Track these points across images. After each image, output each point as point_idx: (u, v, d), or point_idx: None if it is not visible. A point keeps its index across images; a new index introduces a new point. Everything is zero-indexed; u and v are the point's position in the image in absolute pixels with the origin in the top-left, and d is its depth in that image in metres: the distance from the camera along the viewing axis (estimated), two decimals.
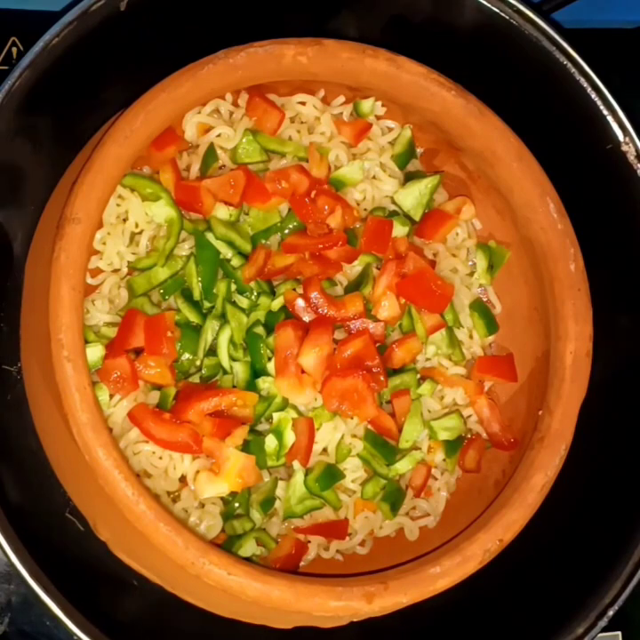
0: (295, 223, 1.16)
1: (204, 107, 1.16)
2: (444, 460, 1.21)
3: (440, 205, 1.24)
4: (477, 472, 1.22)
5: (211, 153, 1.15)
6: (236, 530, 1.12)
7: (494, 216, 1.23)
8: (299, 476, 1.14)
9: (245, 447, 1.11)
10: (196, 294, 1.13)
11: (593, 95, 1.17)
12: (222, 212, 1.14)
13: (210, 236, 1.13)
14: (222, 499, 1.13)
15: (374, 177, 1.21)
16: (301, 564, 1.17)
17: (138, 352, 1.11)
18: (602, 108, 1.17)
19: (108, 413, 1.09)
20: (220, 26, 1.13)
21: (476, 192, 1.24)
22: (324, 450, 1.16)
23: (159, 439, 1.08)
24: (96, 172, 1.02)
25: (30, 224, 1.10)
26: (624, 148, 1.17)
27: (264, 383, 1.13)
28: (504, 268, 1.24)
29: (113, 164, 1.03)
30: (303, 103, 1.19)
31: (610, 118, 1.17)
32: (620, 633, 1.30)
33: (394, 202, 1.22)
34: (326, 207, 1.16)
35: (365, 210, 1.21)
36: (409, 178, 1.22)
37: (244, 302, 1.14)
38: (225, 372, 1.14)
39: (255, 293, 1.14)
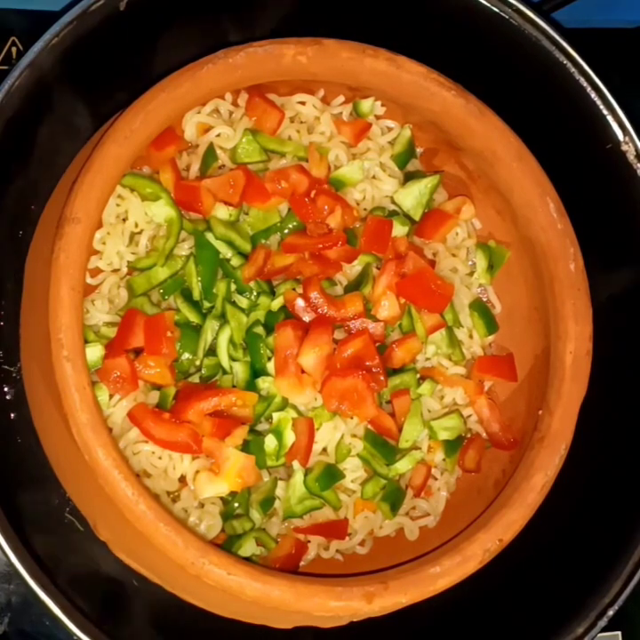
0: (295, 223, 1.16)
1: (203, 106, 1.16)
2: (444, 459, 1.21)
3: (440, 205, 1.24)
4: (477, 472, 1.22)
5: (210, 153, 1.15)
6: (236, 530, 1.12)
7: (494, 216, 1.23)
8: (298, 476, 1.14)
9: (245, 447, 1.11)
10: (196, 294, 1.13)
11: (593, 95, 1.17)
12: (222, 212, 1.14)
13: (209, 236, 1.13)
14: (222, 499, 1.13)
15: (374, 177, 1.21)
16: (301, 563, 1.17)
17: (137, 352, 1.11)
18: (602, 107, 1.17)
19: (108, 413, 1.09)
20: (219, 26, 1.13)
21: (475, 192, 1.24)
22: (324, 450, 1.16)
23: (159, 439, 1.08)
24: (96, 171, 1.02)
25: (31, 223, 1.10)
26: (624, 147, 1.17)
27: (264, 383, 1.13)
28: (504, 267, 1.24)
29: (113, 164, 1.03)
30: (303, 103, 1.19)
31: (610, 118, 1.17)
32: (619, 633, 1.30)
33: (394, 202, 1.22)
34: (326, 207, 1.16)
35: (365, 209, 1.21)
36: (409, 178, 1.22)
37: (243, 302, 1.14)
38: (225, 372, 1.14)
39: (255, 293, 1.14)
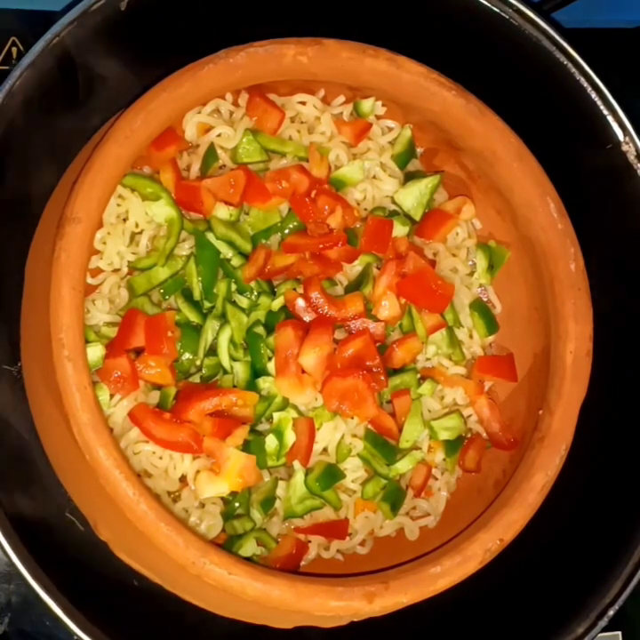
0: (295, 223, 1.16)
1: (204, 106, 1.16)
2: (445, 459, 1.22)
3: (440, 205, 1.24)
4: (477, 472, 1.22)
5: (211, 153, 1.15)
6: (237, 530, 1.12)
7: (494, 216, 1.23)
8: (299, 476, 1.14)
9: (246, 447, 1.11)
10: (197, 294, 1.13)
11: (593, 95, 1.17)
12: (222, 212, 1.14)
13: (210, 236, 1.13)
14: (222, 498, 1.13)
15: (374, 177, 1.22)
16: (302, 563, 1.17)
17: (138, 352, 1.11)
18: (602, 107, 1.17)
19: (109, 413, 1.09)
20: (220, 26, 1.13)
21: (476, 192, 1.24)
22: (325, 450, 1.16)
23: (159, 439, 1.08)
24: (96, 171, 1.02)
25: (31, 223, 1.10)
26: (624, 147, 1.17)
27: (264, 383, 1.13)
28: (504, 267, 1.24)
29: (113, 164, 1.03)
30: (303, 103, 1.19)
31: (610, 118, 1.17)
32: (619, 633, 1.30)
33: (394, 202, 1.22)
34: (326, 207, 1.17)
35: (365, 209, 1.21)
36: (409, 178, 1.22)
37: (244, 302, 1.14)
38: (225, 372, 1.14)
39: (255, 293, 1.15)
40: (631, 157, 1.18)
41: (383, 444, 1.17)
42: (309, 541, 1.17)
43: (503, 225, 1.22)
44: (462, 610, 1.15)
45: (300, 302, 1.14)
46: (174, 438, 1.08)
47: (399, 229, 1.19)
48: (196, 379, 1.14)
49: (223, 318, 1.13)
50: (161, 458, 1.11)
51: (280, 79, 1.13)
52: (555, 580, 1.18)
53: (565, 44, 1.16)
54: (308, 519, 1.16)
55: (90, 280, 1.12)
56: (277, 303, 1.14)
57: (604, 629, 1.15)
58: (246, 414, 1.11)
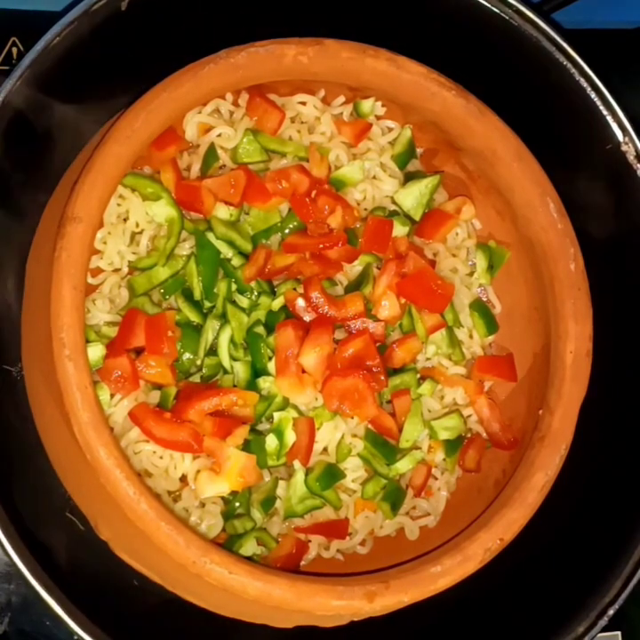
0: (295, 223, 1.16)
1: (204, 106, 1.16)
2: (445, 459, 1.22)
3: (440, 205, 1.24)
4: (477, 472, 1.22)
5: (211, 153, 1.15)
6: (237, 529, 1.12)
7: (494, 216, 1.24)
8: (299, 476, 1.14)
9: (246, 447, 1.11)
10: (197, 294, 1.13)
11: (593, 95, 1.17)
12: (223, 212, 1.14)
13: (210, 236, 1.13)
14: (223, 498, 1.13)
15: (374, 177, 1.22)
16: (302, 563, 1.17)
17: (138, 352, 1.11)
18: (602, 108, 1.17)
19: (109, 413, 1.09)
20: (220, 26, 1.13)
21: (476, 192, 1.24)
22: (325, 449, 1.16)
23: (160, 439, 1.08)
24: (97, 171, 1.02)
25: (31, 223, 1.10)
26: (624, 147, 1.18)
27: (265, 383, 1.13)
28: (504, 267, 1.24)
29: (114, 164, 1.03)
30: (303, 103, 1.19)
31: (610, 118, 1.17)
32: (619, 633, 1.30)
33: (394, 202, 1.22)
34: (326, 207, 1.17)
35: (366, 210, 1.21)
36: (409, 178, 1.22)
37: (244, 302, 1.14)
38: (225, 372, 1.14)
39: (256, 293, 1.15)
40: (631, 157, 1.18)
41: (383, 444, 1.17)
42: (309, 541, 1.17)
43: (503, 225, 1.22)
44: (462, 609, 1.15)
45: (301, 302, 1.14)
46: (175, 438, 1.08)
47: (399, 229, 1.19)
48: (196, 378, 1.14)
49: (223, 318, 1.13)
50: (161, 457, 1.11)
51: (280, 79, 1.13)
52: (555, 580, 1.18)
53: (565, 45, 1.16)
54: (309, 519, 1.16)
55: (90, 280, 1.12)
56: (277, 303, 1.14)
57: (604, 629, 1.14)
58: (246, 414, 1.11)
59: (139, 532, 1.00)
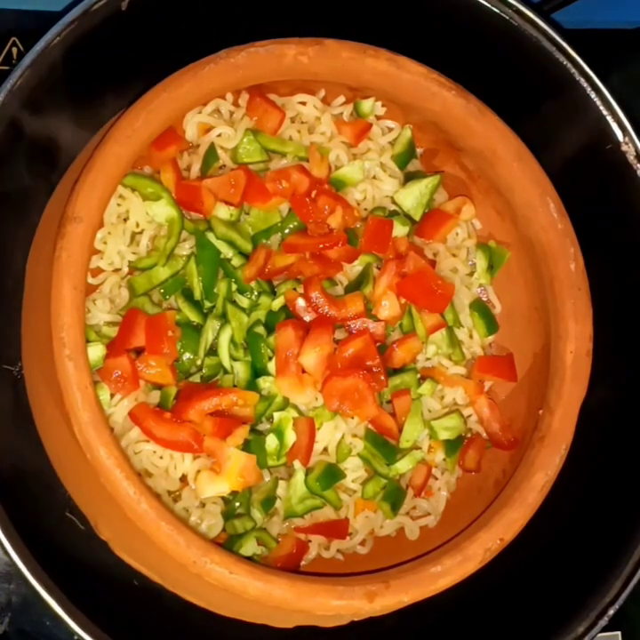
0: (296, 223, 1.16)
1: (204, 106, 1.16)
2: (445, 459, 1.22)
3: (440, 205, 1.24)
4: (478, 471, 1.22)
5: (211, 153, 1.15)
6: (237, 529, 1.12)
7: (494, 216, 1.24)
8: (299, 476, 1.14)
9: (246, 447, 1.11)
10: (197, 294, 1.13)
11: (593, 95, 1.17)
12: (223, 212, 1.14)
13: (210, 236, 1.13)
14: (223, 498, 1.13)
15: (374, 177, 1.22)
16: (302, 563, 1.17)
17: (139, 351, 1.11)
18: (602, 108, 1.17)
19: (109, 413, 1.09)
20: (220, 26, 1.13)
21: (476, 192, 1.24)
22: (325, 449, 1.16)
23: (160, 438, 1.08)
24: (97, 171, 1.02)
25: (31, 223, 1.10)
26: (624, 147, 1.18)
27: (265, 383, 1.13)
28: (504, 267, 1.24)
29: (114, 164, 1.03)
30: (304, 103, 1.19)
31: (610, 118, 1.17)
32: (619, 633, 1.30)
33: (394, 202, 1.22)
34: (327, 207, 1.17)
35: (366, 210, 1.21)
36: (409, 178, 1.22)
37: (244, 302, 1.14)
38: (226, 372, 1.14)
39: (256, 293, 1.15)
40: (631, 157, 1.18)
41: (383, 444, 1.17)
42: (310, 541, 1.17)
43: (503, 225, 1.22)
44: (462, 609, 1.15)
45: (301, 302, 1.14)
46: (175, 438, 1.08)
47: (399, 229, 1.19)
48: (196, 378, 1.14)
49: (223, 318, 1.13)
50: (161, 457, 1.11)
51: (280, 79, 1.13)
52: (555, 580, 1.18)
53: (565, 45, 1.16)
54: (309, 519, 1.16)
55: (90, 280, 1.12)
56: (278, 303, 1.14)
57: (604, 629, 1.14)
58: (247, 414, 1.11)
59: (139, 531, 1.00)
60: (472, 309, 1.24)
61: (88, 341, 1.06)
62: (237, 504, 1.13)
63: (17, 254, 1.10)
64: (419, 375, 1.20)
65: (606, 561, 1.16)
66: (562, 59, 1.17)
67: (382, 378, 1.15)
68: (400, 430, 1.18)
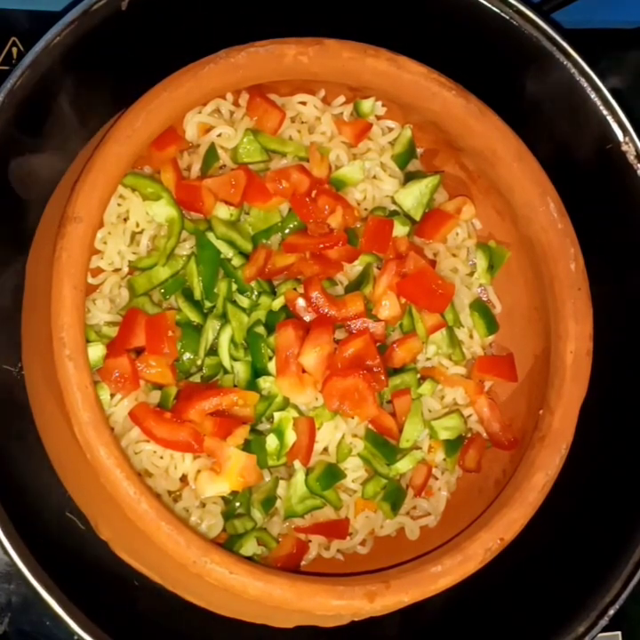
0: (296, 223, 1.16)
1: (204, 106, 1.16)
2: (445, 459, 1.21)
3: (440, 205, 1.24)
4: (478, 471, 1.22)
5: (211, 153, 1.15)
6: (237, 529, 1.12)
7: (494, 216, 1.24)
8: (299, 476, 1.14)
9: (246, 447, 1.11)
10: (197, 294, 1.13)
11: (593, 95, 1.17)
12: (223, 212, 1.14)
13: (211, 236, 1.13)
14: (223, 498, 1.13)
15: (375, 177, 1.22)
16: (302, 563, 1.17)
17: (139, 351, 1.11)
18: (602, 108, 1.17)
19: (110, 412, 1.09)
20: (220, 26, 1.13)
21: (476, 192, 1.24)
22: (325, 449, 1.16)
23: (160, 438, 1.08)
24: (97, 171, 1.02)
25: (31, 223, 1.10)
26: (624, 147, 1.18)
27: (265, 383, 1.13)
28: (504, 267, 1.24)
29: (114, 164, 1.03)
30: (304, 103, 1.19)
31: (610, 118, 1.17)
32: (619, 633, 1.30)
33: (394, 202, 1.22)
34: (327, 207, 1.17)
35: (366, 209, 1.21)
36: (409, 178, 1.22)
37: (244, 302, 1.14)
38: (226, 372, 1.14)
39: (256, 293, 1.15)
40: (631, 157, 1.18)
41: (383, 444, 1.17)
42: (310, 541, 1.17)
43: (503, 225, 1.22)
44: (463, 609, 1.15)
45: (301, 302, 1.14)
46: (175, 438, 1.08)
47: (399, 229, 1.19)
48: (196, 378, 1.14)
49: (224, 318, 1.13)
50: (162, 457, 1.11)
51: (281, 79, 1.13)
52: (555, 580, 1.18)
53: (565, 45, 1.16)
54: (309, 519, 1.16)
55: (90, 280, 1.12)
56: (278, 303, 1.14)
57: (604, 629, 1.14)
58: (247, 414, 1.11)
59: (139, 531, 1.00)
60: (472, 309, 1.24)
61: (88, 341, 1.06)
62: (237, 504, 1.13)
63: (17, 255, 1.10)
64: (419, 375, 1.20)
65: (606, 561, 1.16)
66: (562, 59, 1.17)
67: (382, 378, 1.15)
68: (400, 430, 1.18)
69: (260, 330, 1.13)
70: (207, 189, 1.13)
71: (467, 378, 1.23)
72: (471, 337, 1.24)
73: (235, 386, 1.13)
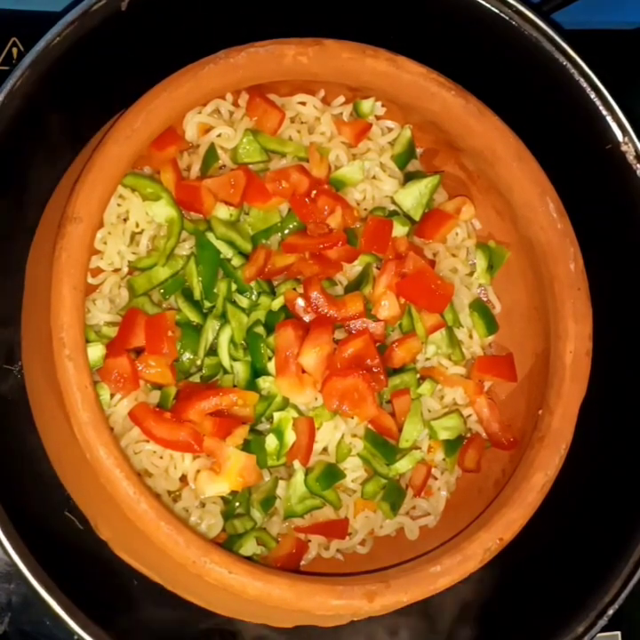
0: (295, 223, 1.16)
1: (204, 107, 1.16)
2: (444, 459, 1.22)
3: (440, 205, 1.24)
4: (477, 471, 1.22)
5: (211, 153, 1.15)
6: (237, 529, 1.12)
7: (494, 216, 1.24)
8: (299, 476, 1.14)
9: (246, 446, 1.11)
10: (197, 294, 1.13)
11: (592, 95, 1.17)
12: (223, 212, 1.14)
13: (210, 236, 1.13)
14: (223, 498, 1.13)
15: (374, 177, 1.22)
16: (302, 563, 1.17)
17: (138, 351, 1.11)
18: (601, 108, 1.17)
19: (109, 412, 1.09)
20: (220, 26, 1.13)
21: (475, 192, 1.24)
22: (325, 449, 1.16)
23: (160, 438, 1.08)
24: (97, 171, 1.02)
25: (31, 223, 1.10)
26: (624, 148, 1.18)
27: (264, 383, 1.13)
28: (504, 267, 1.24)
29: (114, 164, 1.03)
30: (303, 103, 1.19)
31: (609, 118, 1.17)
32: (619, 633, 1.30)
33: (394, 202, 1.22)
34: (326, 207, 1.17)
35: (365, 210, 1.21)
36: (409, 178, 1.22)
37: (244, 302, 1.14)
38: (225, 372, 1.14)
39: (255, 293, 1.15)
40: (630, 158, 1.18)
41: (383, 444, 1.17)
42: (309, 541, 1.17)
43: (503, 225, 1.22)
44: (462, 609, 1.15)
45: (300, 302, 1.14)
46: (175, 438, 1.08)
47: (399, 229, 1.19)
48: (196, 378, 1.14)
49: (223, 318, 1.13)
50: (161, 457, 1.11)
51: (280, 79, 1.13)
52: (554, 580, 1.18)
53: (565, 45, 1.16)
54: (308, 519, 1.16)
55: (90, 280, 1.12)
56: (277, 303, 1.14)
57: (604, 629, 1.14)
58: (246, 414, 1.11)
59: (138, 531, 1.00)
60: (472, 309, 1.24)
61: (88, 341, 1.07)
62: (237, 504, 1.13)
63: (17, 254, 1.10)
64: (418, 375, 1.20)
65: (606, 561, 1.16)
66: (562, 59, 1.17)
67: (382, 378, 1.15)
68: (400, 430, 1.18)
69: (260, 330, 1.13)
70: (207, 189, 1.13)
71: (466, 378, 1.23)
72: (471, 337, 1.24)
73: (234, 386, 1.13)
